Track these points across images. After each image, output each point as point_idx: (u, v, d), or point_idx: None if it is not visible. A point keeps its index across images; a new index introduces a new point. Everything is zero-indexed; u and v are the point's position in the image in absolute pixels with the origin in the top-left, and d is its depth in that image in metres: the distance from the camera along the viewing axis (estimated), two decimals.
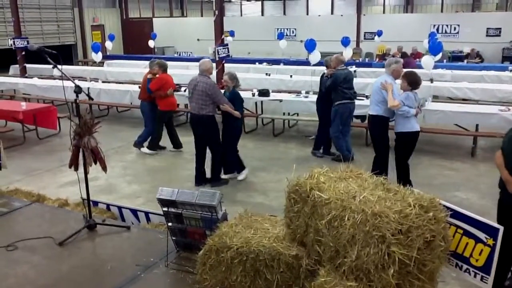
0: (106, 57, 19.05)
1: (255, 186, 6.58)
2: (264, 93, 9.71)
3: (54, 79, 12.77)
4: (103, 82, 12.89)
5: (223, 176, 6.73)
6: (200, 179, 6.58)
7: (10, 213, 4.89)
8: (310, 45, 12.42)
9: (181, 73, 13.92)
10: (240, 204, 5.63)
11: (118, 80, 14.46)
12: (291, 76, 12.81)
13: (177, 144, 8.36)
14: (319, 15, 27.27)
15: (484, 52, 18.26)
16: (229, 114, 6.36)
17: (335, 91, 7.33)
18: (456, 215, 2.76)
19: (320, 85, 7.83)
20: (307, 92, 9.77)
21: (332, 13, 32.21)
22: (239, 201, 5.91)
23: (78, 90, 4.18)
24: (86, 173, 4.31)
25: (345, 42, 15.60)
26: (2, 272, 3.71)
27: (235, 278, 3.15)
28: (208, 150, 6.58)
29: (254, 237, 3.18)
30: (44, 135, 9.34)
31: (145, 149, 8.23)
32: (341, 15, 25.62)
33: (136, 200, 5.97)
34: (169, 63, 16.79)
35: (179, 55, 23.79)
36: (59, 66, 4.19)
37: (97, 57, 15.28)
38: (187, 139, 8.50)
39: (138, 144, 8.33)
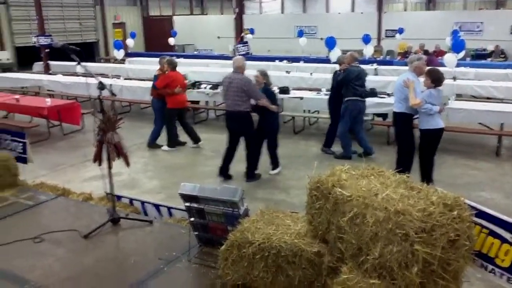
0: (127, 54, 19.29)
1: (276, 184, 6.59)
2: (284, 90, 9.70)
3: (77, 76, 12.99)
4: (125, 79, 13.07)
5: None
6: (225, 172, 6.61)
7: (37, 206, 5.00)
8: (331, 43, 12.40)
9: (201, 70, 14.03)
10: (262, 201, 5.66)
11: (139, 77, 14.63)
12: (311, 73, 12.73)
13: (195, 139, 8.39)
14: (339, 13, 27.08)
15: (508, 50, 17.88)
16: (266, 110, 6.36)
17: (346, 87, 7.28)
18: (481, 214, 2.73)
19: (333, 82, 7.78)
20: (327, 90, 9.70)
21: (352, 10, 31.94)
22: (261, 198, 5.93)
23: (101, 86, 4.24)
24: (110, 167, 4.37)
25: (366, 39, 15.49)
26: (30, 264, 3.80)
27: (257, 273, 3.16)
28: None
29: (275, 233, 3.17)
30: (68, 130, 9.52)
31: (165, 147, 8.30)
32: (362, 13, 25.42)
33: (157, 196, 6.03)
34: (189, 60, 16.83)
35: (199, 52, 23.93)
36: (83, 63, 4.26)
37: (119, 54, 15.50)
38: (207, 136, 8.58)
39: (151, 143, 8.40)
